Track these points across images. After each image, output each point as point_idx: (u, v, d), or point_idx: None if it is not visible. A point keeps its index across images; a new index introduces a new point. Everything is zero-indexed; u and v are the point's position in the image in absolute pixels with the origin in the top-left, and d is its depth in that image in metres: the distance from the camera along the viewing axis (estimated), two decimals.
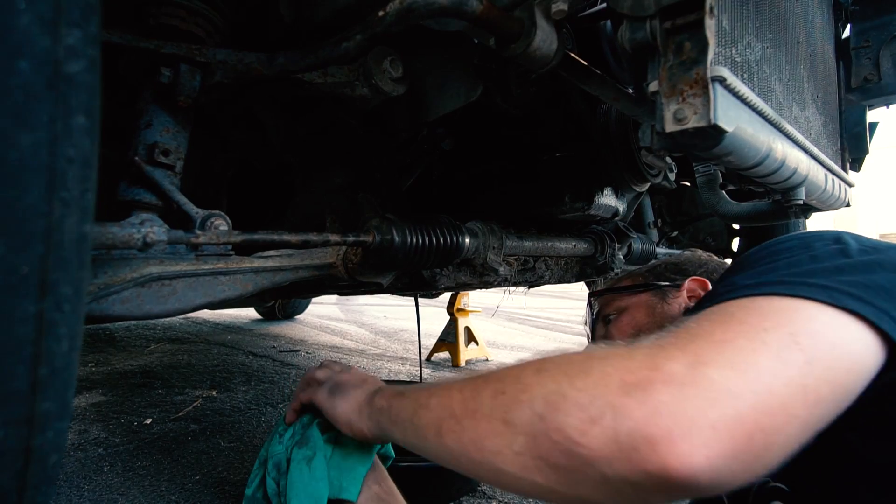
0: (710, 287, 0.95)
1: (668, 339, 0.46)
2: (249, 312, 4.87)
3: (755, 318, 0.46)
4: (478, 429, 0.49)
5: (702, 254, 1.09)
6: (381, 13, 0.58)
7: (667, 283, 0.98)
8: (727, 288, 0.55)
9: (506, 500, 1.31)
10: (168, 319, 4.39)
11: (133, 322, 4.17)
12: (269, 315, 4.64)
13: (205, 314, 4.77)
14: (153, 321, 4.27)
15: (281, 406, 2.09)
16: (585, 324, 1.14)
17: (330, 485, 0.73)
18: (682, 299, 0.94)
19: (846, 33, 1.21)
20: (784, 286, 0.50)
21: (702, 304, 0.64)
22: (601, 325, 1.03)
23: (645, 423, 0.38)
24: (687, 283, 0.96)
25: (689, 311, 0.77)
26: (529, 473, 0.44)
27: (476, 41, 0.80)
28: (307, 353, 3.20)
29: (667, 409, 0.39)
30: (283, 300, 4.33)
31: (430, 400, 0.57)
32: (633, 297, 0.99)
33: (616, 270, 1.39)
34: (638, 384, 0.41)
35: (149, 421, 1.90)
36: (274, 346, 3.39)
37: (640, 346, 0.46)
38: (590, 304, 1.06)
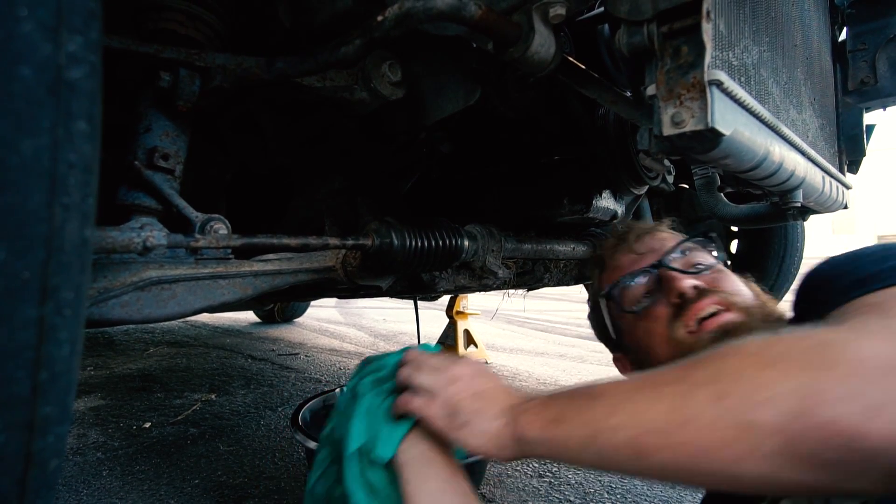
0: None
1: (881, 322, 0.48)
2: (248, 316, 4.87)
3: None
4: (703, 438, 0.45)
5: None
6: (379, 18, 0.58)
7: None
8: (872, 278, 0.55)
9: (508, 502, 1.31)
10: (166, 323, 4.39)
11: (132, 325, 4.16)
12: (268, 318, 4.64)
13: (204, 317, 4.77)
14: (152, 325, 4.27)
15: (280, 409, 2.09)
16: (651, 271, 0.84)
17: (366, 435, 0.66)
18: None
19: (842, 36, 1.22)
20: None
21: (820, 295, 0.62)
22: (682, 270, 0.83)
23: None
24: None
25: (798, 304, 0.71)
26: (786, 473, 0.42)
27: (474, 45, 0.80)
28: (306, 356, 3.20)
29: None
30: (282, 303, 4.33)
31: (609, 420, 0.51)
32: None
33: None
34: None
35: (148, 425, 1.89)
36: (273, 350, 3.39)
37: (862, 329, 0.47)
38: (681, 249, 0.84)
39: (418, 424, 0.66)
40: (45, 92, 0.28)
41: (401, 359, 0.73)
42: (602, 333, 0.95)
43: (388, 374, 0.73)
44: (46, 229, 0.30)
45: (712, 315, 0.73)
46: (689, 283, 0.77)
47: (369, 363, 0.77)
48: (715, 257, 0.85)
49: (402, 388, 0.70)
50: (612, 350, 0.95)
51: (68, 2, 0.29)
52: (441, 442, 0.67)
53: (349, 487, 0.65)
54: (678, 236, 0.89)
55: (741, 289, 0.78)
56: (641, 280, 0.82)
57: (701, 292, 0.76)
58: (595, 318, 0.95)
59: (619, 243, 0.91)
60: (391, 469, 0.65)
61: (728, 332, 0.71)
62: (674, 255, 0.82)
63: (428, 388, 0.66)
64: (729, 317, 0.73)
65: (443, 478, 0.65)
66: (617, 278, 0.85)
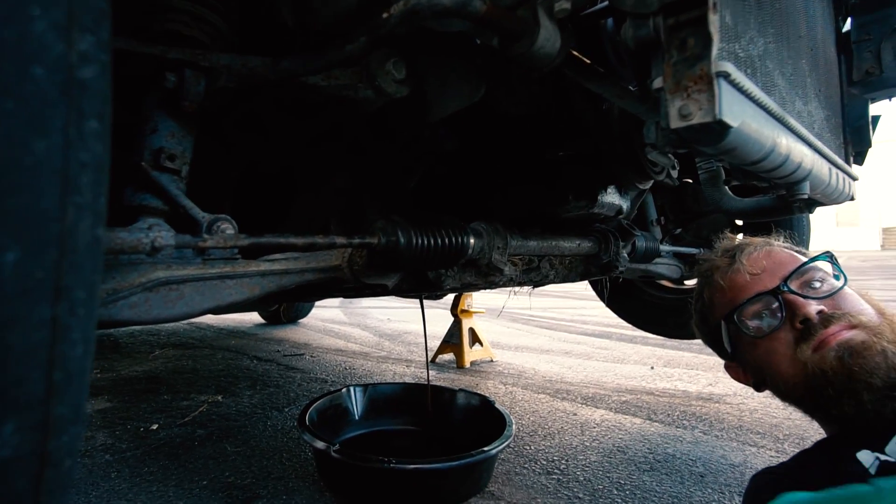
0: None
1: None
2: (253, 317, 4.88)
3: None
4: None
5: None
6: (385, 15, 0.58)
7: None
8: None
9: (514, 501, 1.31)
10: (172, 324, 4.40)
11: (137, 328, 4.17)
12: (273, 319, 4.65)
13: (209, 319, 4.78)
14: (157, 327, 4.28)
15: (287, 409, 2.09)
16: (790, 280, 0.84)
17: None
18: None
19: (847, 27, 1.21)
20: None
21: None
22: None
23: None
24: None
25: None
26: None
27: (479, 41, 0.80)
28: (311, 356, 3.20)
29: None
30: (286, 304, 4.33)
31: None
32: None
33: (620, 269, 1.39)
34: None
35: (155, 426, 1.90)
36: (278, 350, 3.40)
37: None
38: (801, 271, 0.85)
39: None
40: (58, 91, 0.28)
41: None
42: (714, 343, 0.98)
43: None
44: (59, 229, 0.30)
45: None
46: (813, 308, 0.78)
47: None
48: (836, 278, 0.86)
49: None
50: (723, 358, 0.98)
51: (80, 1, 0.29)
52: None
53: None
54: (793, 255, 0.91)
55: (864, 307, 0.79)
56: (762, 304, 0.84)
57: (826, 319, 0.77)
58: (706, 329, 0.98)
59: (731, 262, 0.92)
60: None
61: (853, 351, 0.72)
62: (793, 277, 0.84)
63: None
64: (851, 334, 0.74)
65: None
66: (735, 300, 0.87)
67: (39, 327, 0.31)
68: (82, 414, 0.38)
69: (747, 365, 0.88)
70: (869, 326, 0.75)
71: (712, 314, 0.94)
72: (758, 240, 0.97)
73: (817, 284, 0.84)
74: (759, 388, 0.90)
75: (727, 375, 0.98)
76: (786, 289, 0.82)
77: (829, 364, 0.72)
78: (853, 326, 0.76)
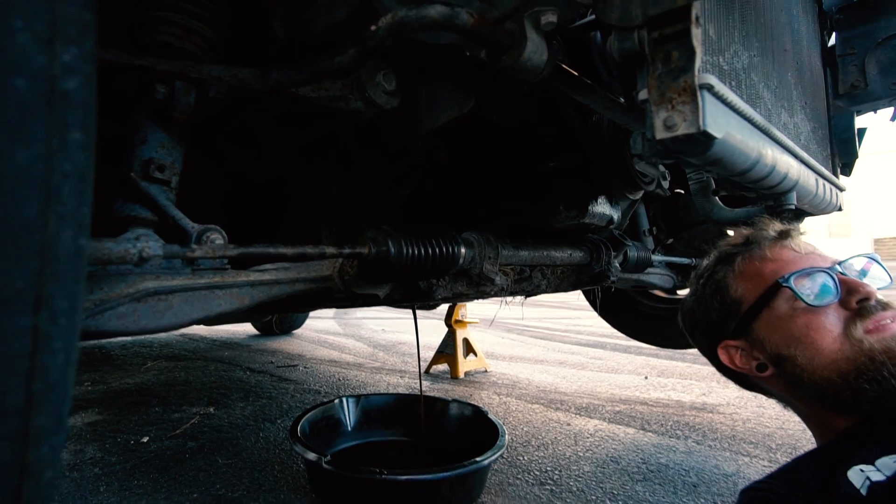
0: None
1: None
2: (246, 328, 4.85)
3: None
4: None
5: None
6: (373, 28, 0.59)
7: None
8: None
9: None
10: (164, 336, 4.37)
11: (129, 339, 4.14)
12: (266, 330, 4.62)
13: (202, 330, 4.75)
14: (149, 338, 4.25)
15: (279, 421, 2.07)
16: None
17: None
18: None
19: (832, 41, 1.23)
20: None
21: None
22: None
23: None
24: None
25: None
26: None
27: (468, 53, 0.81)
28: (305, 367, 3.18)
29: None
30: (280, 315, 4.31)
31: None
32: None
33: (612, 279, 1.39)
34: None
35: (146, 439, 1.88)
36: (272, 362, 3.37)
37: None
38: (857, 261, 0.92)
39: None
40: (40, 102, 0.28)
41: None
42: (720, 318, 0.95)
43: None
44: (41, 238, 0.30)
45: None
46: (873, 290, 0.82)
47: None
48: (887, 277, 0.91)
49: None
50: (715, 339, 0.96)
51: (63, 13, 0.29)
52: None
53: None
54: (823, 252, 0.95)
55: None
56: (818, 277, 0.85)
57: (884, 304, 0.81)
58: (716, 303, 0.96)
59: (780, 239, 0.95)
60: None
61: None
62: (846, 263, 0.88)
63: None
64: None
65: None
66: (783, 270, 0.88)
67: (19, 336, 0.31)
68: (64, 424, 0.37)
69: (765, 341, 0.87)
70: None
71: (736, 285, 0.93)
72: (801, 227, 1.00)
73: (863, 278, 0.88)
74: (762, 370, 0.88)
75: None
76: (840, 270, 0.85)
77: (888, 345, 0.75)
78: None
